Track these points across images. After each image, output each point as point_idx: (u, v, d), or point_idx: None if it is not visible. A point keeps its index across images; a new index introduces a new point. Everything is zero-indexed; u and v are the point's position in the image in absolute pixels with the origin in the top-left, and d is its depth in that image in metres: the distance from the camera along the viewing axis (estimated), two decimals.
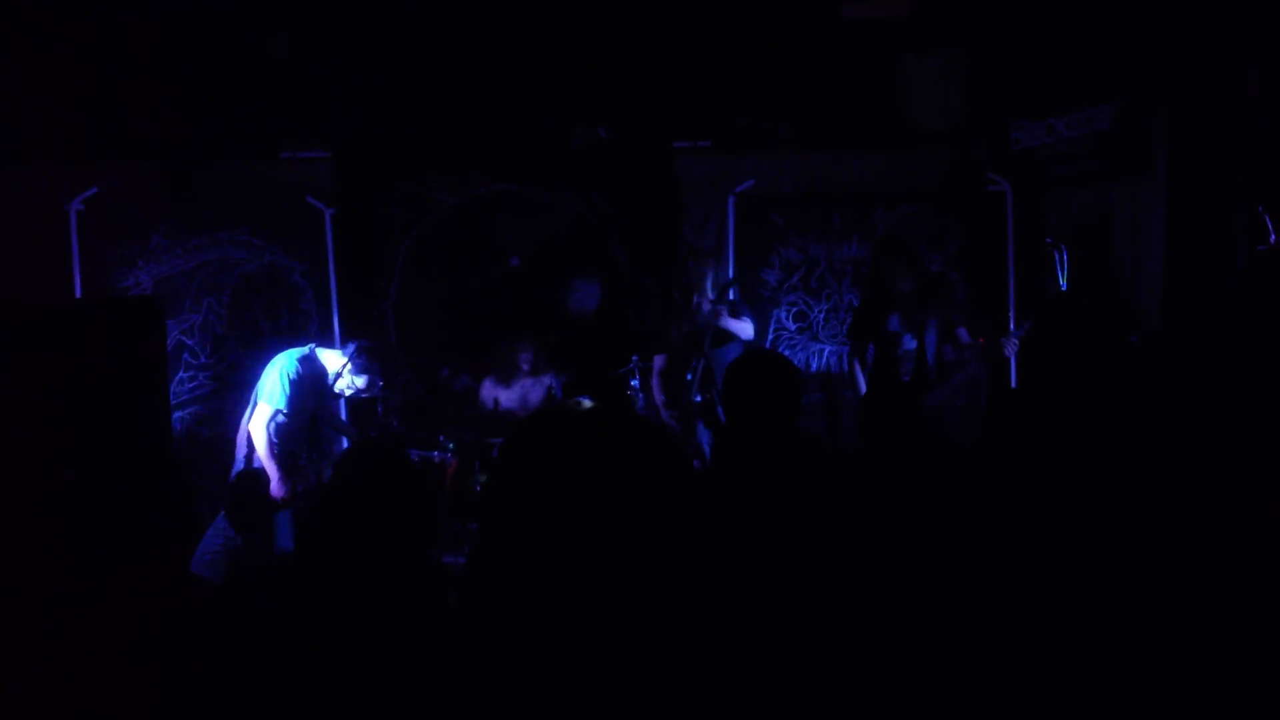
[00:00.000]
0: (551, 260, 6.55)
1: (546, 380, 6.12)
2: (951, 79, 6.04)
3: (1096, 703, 1.62)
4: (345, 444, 5.81)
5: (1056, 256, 5.97)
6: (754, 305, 6.37)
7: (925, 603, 1.60)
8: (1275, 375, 4.12)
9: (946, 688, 1.55)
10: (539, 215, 6.55)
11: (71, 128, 5.76)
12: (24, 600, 2.93)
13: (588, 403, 5.67)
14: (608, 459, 1.13)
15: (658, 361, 5.91)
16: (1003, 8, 5.85)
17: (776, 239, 6.53)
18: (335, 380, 5.35)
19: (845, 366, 6.19)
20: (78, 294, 5.82)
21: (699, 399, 5.46)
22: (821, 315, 6.59)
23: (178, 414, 5.97)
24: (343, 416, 6.07)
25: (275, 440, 5.15)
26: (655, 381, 5.90)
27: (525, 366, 6.07)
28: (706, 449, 5.59)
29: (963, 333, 5.44)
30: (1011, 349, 5.34)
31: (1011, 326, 6.03)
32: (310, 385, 5.29)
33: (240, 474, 5.13)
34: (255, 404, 5.21)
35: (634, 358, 5.86)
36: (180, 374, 6.07)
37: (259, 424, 5.14)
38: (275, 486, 5.10)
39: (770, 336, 6.55)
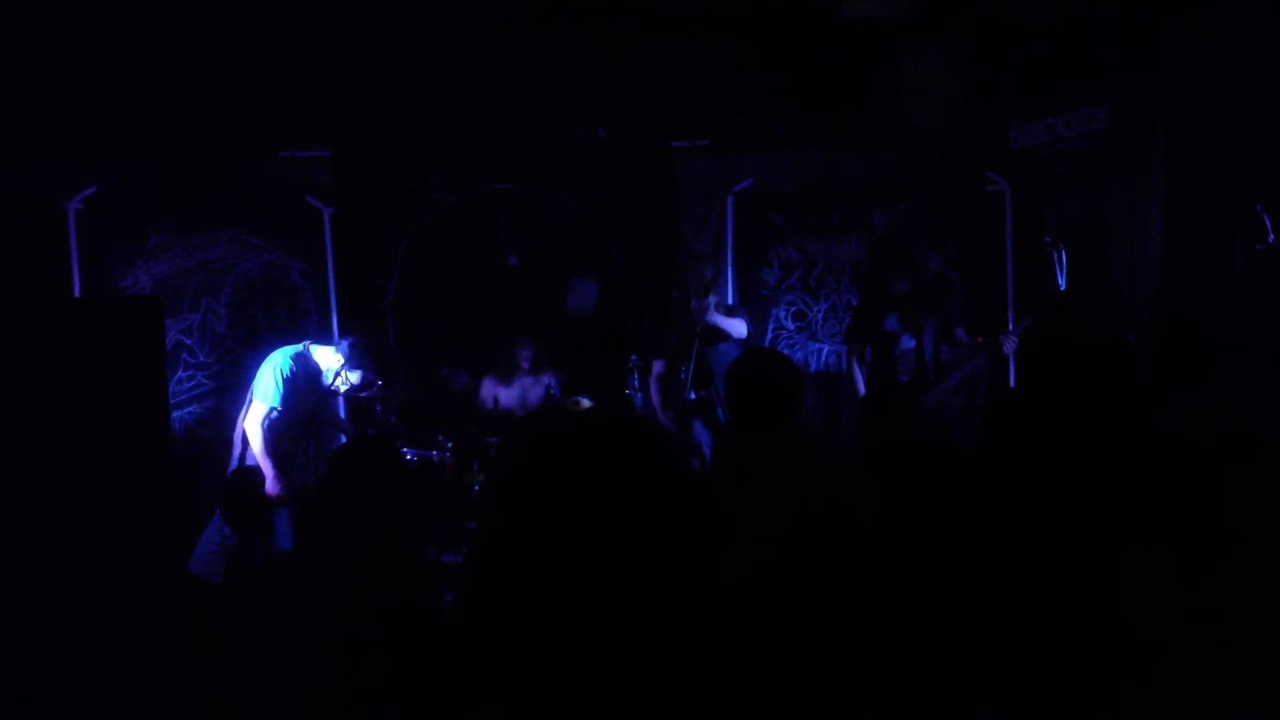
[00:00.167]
0: (550, 259, 6.55)
1: (546, 378, 6.12)
2: (950, 78, 6.03)
3: (1096, 699, 1.63)
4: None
5: (1055, 256, 5.97)
6: (753, 304, 6.37)
7: (925, 599, 1.60)
8: (1274, 374, 4.12)
9: (946, 684, 1.55)
10: (538, 214, 6.55)
11: (70, 127, 5.76)
12: (23, 600, 2.93)
13: (586, 402, 5.66)
14: (606, 458, 1.13)
15: (656, 366, 5.92)
16: (1002, 7, 5.84)
17: (775, 238, 6.54)
18: (333, 377, 5.36)
19: (844, 366, 6.20)
20: (76, 293, 5.83)
21: (693, 396, 5.46)
22: (820, 314, 6.59)
23: (177, 413, 5.99)
24: (342, 414, 6.08)
25: (270, 437, 5.16)
26: (653, 384, 5.91)
27: (525, 365, 6.07)
28: (706, 449, 5.59)
29: (960, 333, 5.45)
30: (1010, 347, 5.35)
31: (1010, 325, 6.04)
32: (304, 382, 5.31)
33: (235, 472, 5.14)
34: (250, 402, 5.22)
35: (633, 357, 5.86)
36: (179, 373, 6.09)
37: (254, 421, 5.15)
38: (270, 484, 5.10)
39: (769, 336, 6.55)
